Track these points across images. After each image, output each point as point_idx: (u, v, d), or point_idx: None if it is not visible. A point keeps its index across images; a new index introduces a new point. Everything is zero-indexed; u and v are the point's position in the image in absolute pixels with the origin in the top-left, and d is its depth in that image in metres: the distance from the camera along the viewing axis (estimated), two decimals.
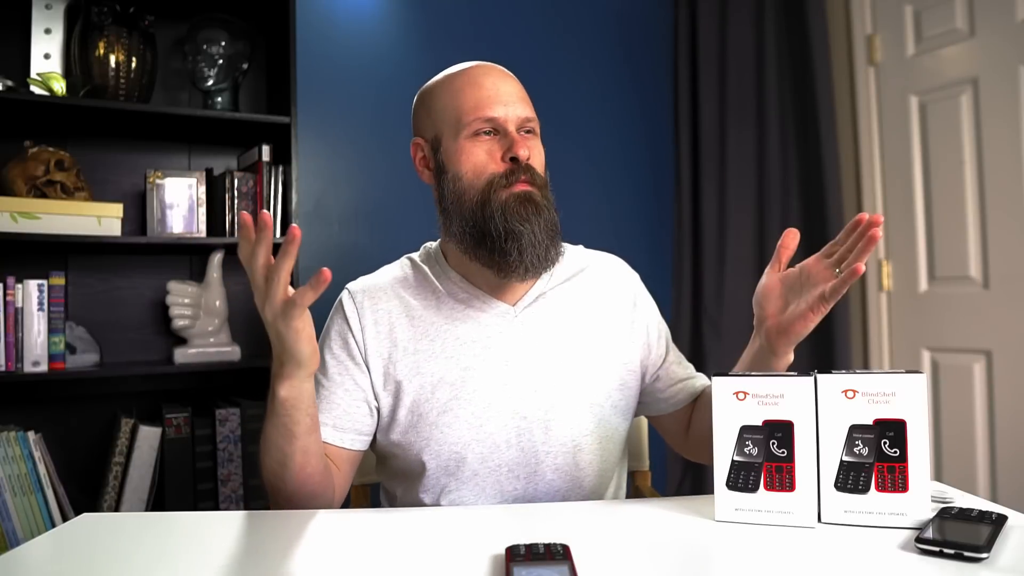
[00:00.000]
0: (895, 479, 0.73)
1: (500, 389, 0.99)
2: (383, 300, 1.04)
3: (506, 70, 1.04)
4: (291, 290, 0.80)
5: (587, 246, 1.16)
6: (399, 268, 1.10)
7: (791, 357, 0.94)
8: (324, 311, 1.08)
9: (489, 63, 1.04)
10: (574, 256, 1.12)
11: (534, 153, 1.00)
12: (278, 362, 0.84)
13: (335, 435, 0.99)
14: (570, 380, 1.01)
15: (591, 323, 1.06)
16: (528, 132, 1.00)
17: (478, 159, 0.98)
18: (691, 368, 1.14)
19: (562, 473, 0.99)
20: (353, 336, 1.02)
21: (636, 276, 1.15)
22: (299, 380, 0.84)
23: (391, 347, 1.01)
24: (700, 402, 1.10)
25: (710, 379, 0.91)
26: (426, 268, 1.07)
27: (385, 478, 1.09)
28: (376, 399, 1.01)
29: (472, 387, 0.99)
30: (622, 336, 1.07)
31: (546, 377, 1.00)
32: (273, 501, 0.94)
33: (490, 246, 0.97)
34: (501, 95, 0.98)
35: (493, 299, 1.03)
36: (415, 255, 1.12)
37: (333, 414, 0.99)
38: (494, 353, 1.00)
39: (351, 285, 1.08)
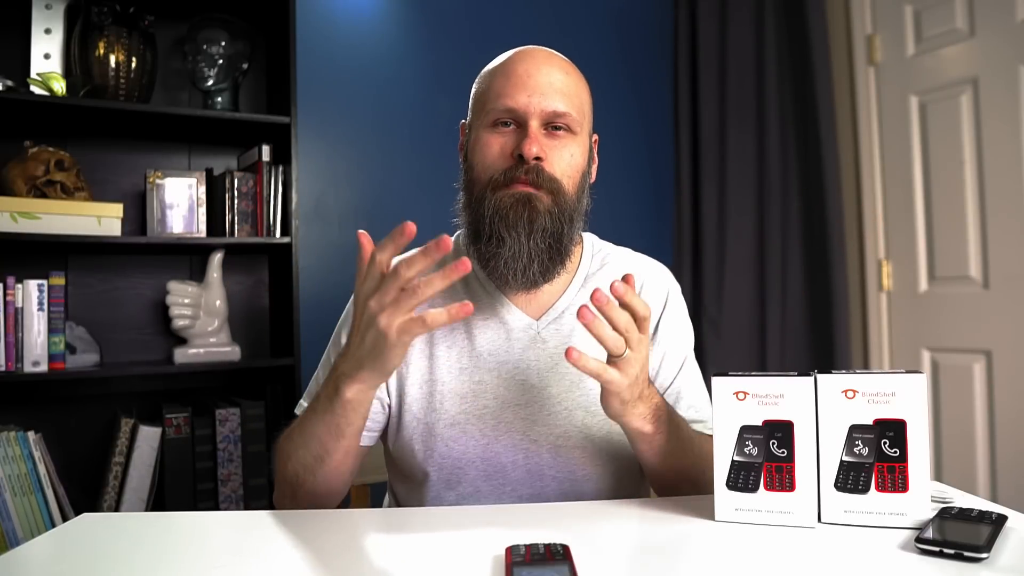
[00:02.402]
0: (895, 479, 0.73)
1: (512, 409, 0.94)
2: None
3: (559, 56, 0.96)
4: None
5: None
6: None
7: (637, 425, 0.83)
8: (334, 308, 1.07)
9: (540, 48, 0.96)
10: (614, 265, 1.03)
11: (554, 152, 0.91)
12: (354, 362, 0.77)
13: None
14: (586, 405, 0.96)
15: None
16: (558, 128, 0.91)
17: (490, 151, 0.91)
18: (696, 416, 1.00)
19: (568, 498, 0.95)
20: None
21: (671, 292, 1.04)
22: (371, 386, 0.79)
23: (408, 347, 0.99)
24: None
25: (709, 380, 0.84)
26: None
27: (391, 476, 1.08)
28: (388, 395, 0.98)
29: (483, 403, 0.94)
30: None
31: (561, 401, 0.95)
32: (290, 495, 0.90)
33: (481, 248, 0.92)
34: (530, 84, 0.90)
35: (517, 309, 0.97)
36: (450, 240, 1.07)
37: None
38: (510, 370, 0.95)
39: None
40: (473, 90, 0.99)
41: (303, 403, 1.01)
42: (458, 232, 1.04)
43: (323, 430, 0.83)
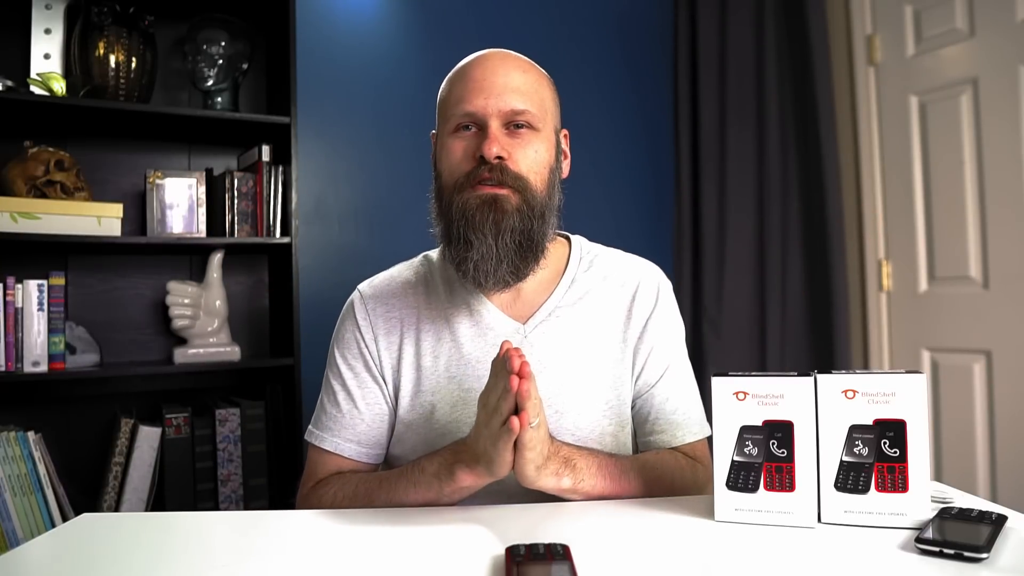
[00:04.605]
0: (895, 479, 0.73)
1: None
2: (396, 308, 1.00)
3: (515, 56, 0.96)
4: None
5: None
6: (413, 271, 1.05)
7: (553, 484, 0.83)
8: (334, 308, 1.07)
9: (496, 51, 0.97)
10: (603, 264, 1.03)
11: (517, 151, 0.91)
12: (472, 456, 0.81)
13: (358, 450, 0.98)
14: (576, 407, 0.95)
15: (600, 347, 0.98)
16: (520, 127, 0.92)
17: (455, 156, 0.92)
18: (683, 419, 1.00)
19: (563, 501, 0.95)
20: (367, 346, 0.99)
21: (662, 290, 1.03)
22: (484, 480, 0.82)
23: (398, 359, 0.98)
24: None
25: (710, 379, 0.82)
26: (440, 272, 1.02)
27: None
28: (390, 409, 0.99)
29: (473, 411, 0.92)
30: (625, 361, 0.99)
31: (552, 403, 0.94)
32: (311, 506, 0.93)
33: (452, 252, 0.92)
34: (486, 86, 0.91)
35: (502, 313, 0.98)
36: (434, 254, 1.06)
37: (357, 430, 0.98)
38: None
39: (363, 287, 1.04)
40: (438, 99, 0.99)
41: (315, 431, 1.00)
42: (439, 248, 1.04)
43: (417, 499, 0.86)
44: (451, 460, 0.83)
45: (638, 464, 0.92)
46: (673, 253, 2.56)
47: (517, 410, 0.74)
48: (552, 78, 1.01)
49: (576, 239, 1.07)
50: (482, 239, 0.89)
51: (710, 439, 0.95)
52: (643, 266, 1.05)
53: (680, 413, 1.00)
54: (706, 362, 2.43)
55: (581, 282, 1.01)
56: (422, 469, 0.86)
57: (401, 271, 1.06)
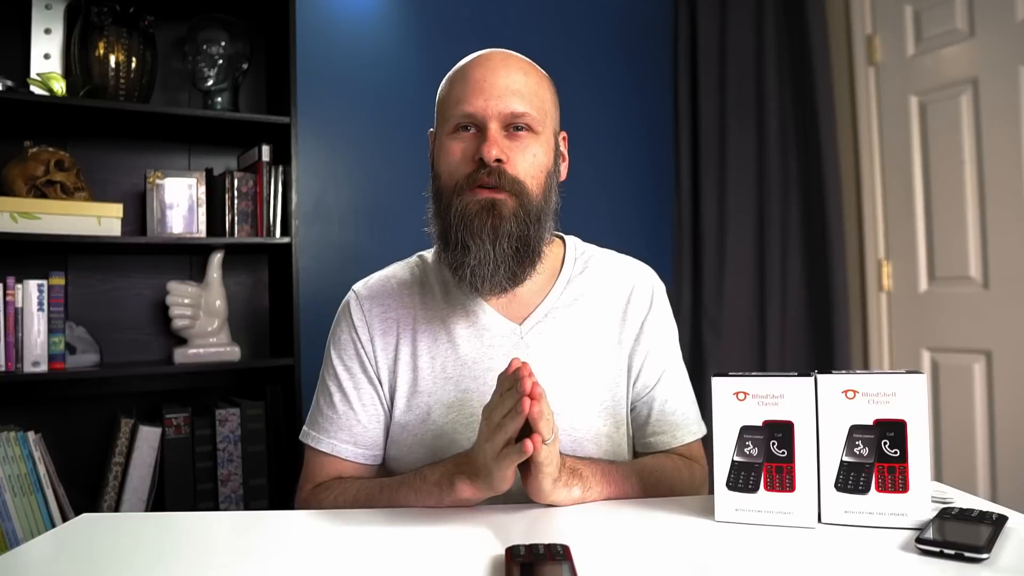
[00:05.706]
0: (895, 479, 0.73)
1: None
2: (392, 308, 1.00)
3: (516, 57, 0.96)
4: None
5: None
6: (409, 271, 1.05)
7: (564, 497, 0.84)
8: (334, 308, 1.07)
9: (497, 50, 0.96)
10: (598, 266, 1.04)
11: (516, 154, 0.90)
12: (473, 470, 0.80)
13: (355, 452, 0.98)
14: (573, 408, 0.95)
15: (596, 348, 0.99)
16: (519, 129, 0.91)
17: (453, 158, 0.92)
18: (681, 420, 1.01)
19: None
20: (363, 347, 0.99)
21: (656, 292, 1.04)
22: (484, 493, 0.81)
23: (395, 360, 0.98)
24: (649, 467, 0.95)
25: (711, 380, 0.82)
26: (436, 273, 1.02)
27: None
28: (384, 411, 0.99)
29: (469, 412, 0.94)
30: (621, 362, 1.00)
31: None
32: (309, 506, 0.94)
33: (449, 255, 0.92)
34: (487, 87, 0.90)
35: (498, 315, 0.98)
36: (428, 254, 1.06)
37: (354, 432, 0.97)
38: (495, 377, 0.93)
39: (359, 288, 1.04)
40: (437, 98, 0.99)
41: (312, 432, 1.00)
42: (433, 248, 1.04)
43: (415, 503, 0.86)
44: (453, 471, 0.83)
45: (638, 469, 0.93)
46: (673, 253, 2.56)
47: (527, 430, 0.74)
48: (552, 79, 1.01)
49: (570, 239, 1.07)
50: (480, 244, 0.89)
51: (706, 438, 0.95)
52: (637, 268, 1.06)
53: (679, 414, 1.01)
54: (706, 362, 2.43)
55: (576, 283, 1.01)
56: (424, 478, 0.86)
57: (396, 271, 1.06)
